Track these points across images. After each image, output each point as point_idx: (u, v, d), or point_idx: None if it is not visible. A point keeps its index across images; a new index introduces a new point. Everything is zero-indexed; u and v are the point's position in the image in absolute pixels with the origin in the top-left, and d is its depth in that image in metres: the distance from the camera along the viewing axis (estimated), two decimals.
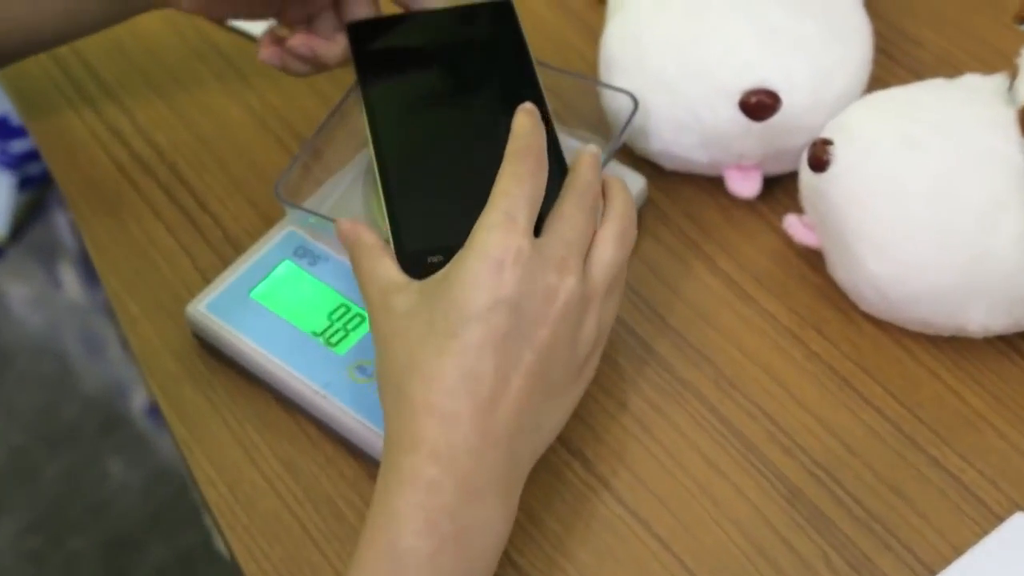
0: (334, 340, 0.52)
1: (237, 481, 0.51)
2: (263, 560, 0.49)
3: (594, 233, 0.47)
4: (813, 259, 0.57)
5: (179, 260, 0.58)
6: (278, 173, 0.61)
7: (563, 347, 0.45)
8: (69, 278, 1.27)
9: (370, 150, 0.52)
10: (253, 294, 0.53)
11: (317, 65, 0.56)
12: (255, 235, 0.59)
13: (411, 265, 0.48)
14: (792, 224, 0.56)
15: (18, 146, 1.02)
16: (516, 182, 0.45)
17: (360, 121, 0.56)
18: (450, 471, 0.42)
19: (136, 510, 1.31)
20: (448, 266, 0.45)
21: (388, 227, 0.49)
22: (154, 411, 1.28)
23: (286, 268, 0.54)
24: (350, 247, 0.48)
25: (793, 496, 0.50)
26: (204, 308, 0.53)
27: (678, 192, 0.60)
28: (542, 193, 0.46)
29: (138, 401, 1.32)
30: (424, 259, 0.48)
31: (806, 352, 0.54)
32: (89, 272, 1.22)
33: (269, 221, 0.59)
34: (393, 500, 0.42)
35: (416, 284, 0.45)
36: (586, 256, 0.46)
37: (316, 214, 0.55)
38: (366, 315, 0.52)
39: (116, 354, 1.30)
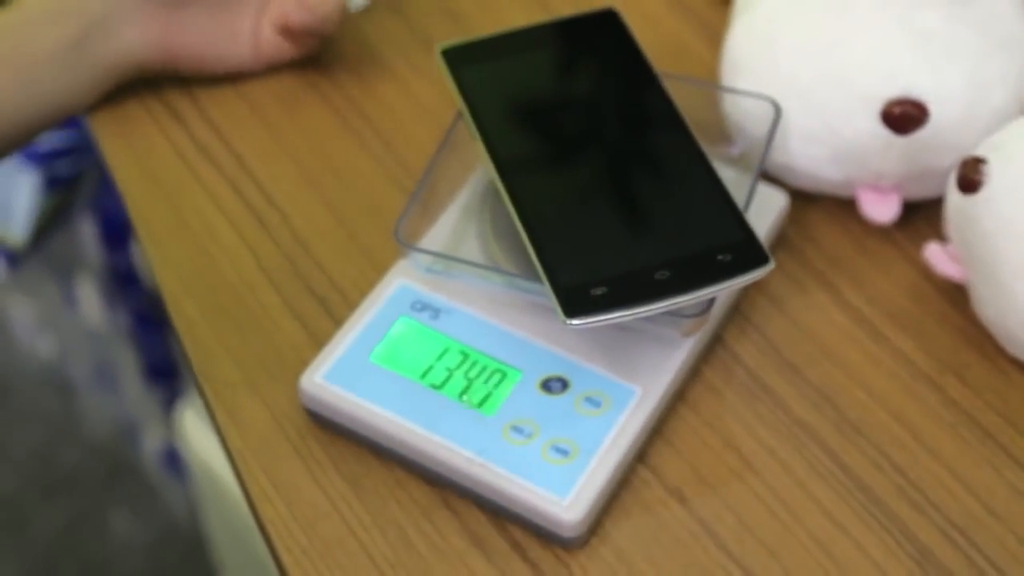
0: (477, 400, 0.54)
1: (296, 500, 0.54)
2: None
3: None
4: (956, 295, 0.59)
5: (242, 258, 0.62)
6: (351, 167, 0.66)
7: None
8: (87, 296, 1.32)
9: (498, 186, 0.55)
10: (373, 357, 0.55)
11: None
12: (324, 233, 0.63)
13: (573, 302, 0.51)
14: (934, 253, 0.58)
15: (46, 140, 1.06)
16: None
17: (460, 153, 0.59)
18: None
19: (140, 572, 1.34)
20: None
21: (538, 266, 0.52)
22: (170, 457, 1.31)
23: (404, 325, 0.56)
24: None
25: (923, 558, 0.52)
26: (321, 379, 0.55)
27: (804, 214, 0.63)
28: None
29: (151, 445, 1.35)
30: (587, 293, 0.51)
31: (943, 399, 0.57)
32: (113, 288, 1.26)
33: (340, 219, 0.63)
34: None
35: None
36: None
37: (452, 258, 0.57)
38: (507, 370, 0.55)
39: (131, 388, 1.34)
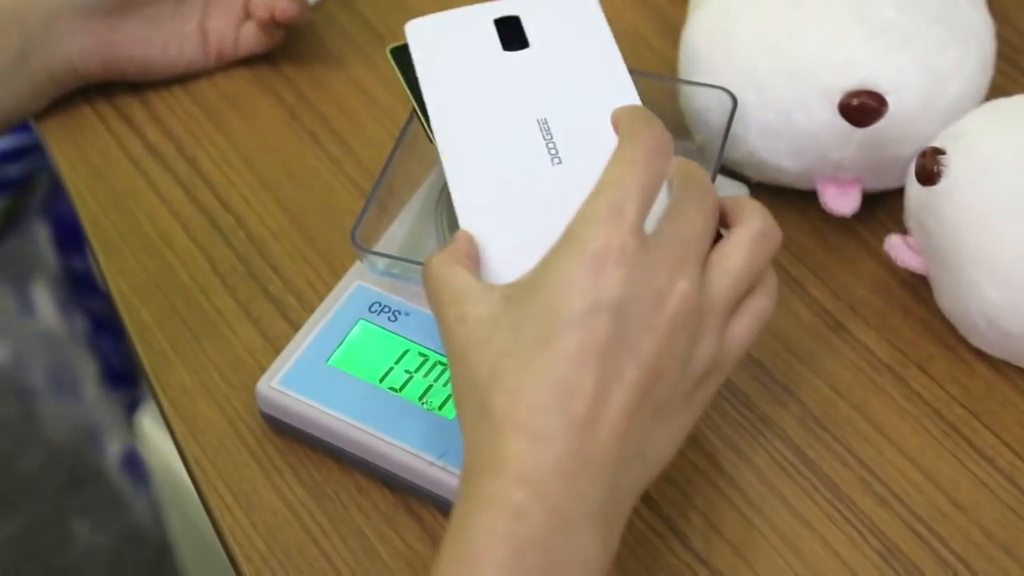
0: (438, 403, 0.54)
1: (255, 507, 0.54)
2: None
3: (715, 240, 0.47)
4: (918, 287, 0.59)
5: (196, 262, 0.62)
6: (307, 167, 0.65)
7: (673, 362, 0.44)
8: (44, 301, 1.31)
9: (449, 181, 0.55)
10: (331, 361, 0.55)
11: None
12: (280, 235, 0.62)
13: None
14: (895, 245, 0.58)
15: None
16: (629, 169, 0.45)
17: (415, 153, 0.59)
18: (539, 497, 0.42)
19: None
20: (539, 265, 0.45)
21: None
22: (132, 462, 1.31)
23: (362, 328, 0.56)
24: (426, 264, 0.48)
25: (889, 552, 0.52)
26: (278, 384, 0.54)
27: (765, 207, 0.63)
28: (660, 185, 0.45)
29: (113, 450, 1.35)
30: None
31: (907, 392, 0.57)
32: (70, 293, 1.25)
33: (296, 221, 0.63)
34: (472, 529, 0.43)
35: (499, 289, 0.46)
36: (707, 261, 0.46)
37: (410, 261, 0.55)
38: None
39: (91, 392, 1.33)
